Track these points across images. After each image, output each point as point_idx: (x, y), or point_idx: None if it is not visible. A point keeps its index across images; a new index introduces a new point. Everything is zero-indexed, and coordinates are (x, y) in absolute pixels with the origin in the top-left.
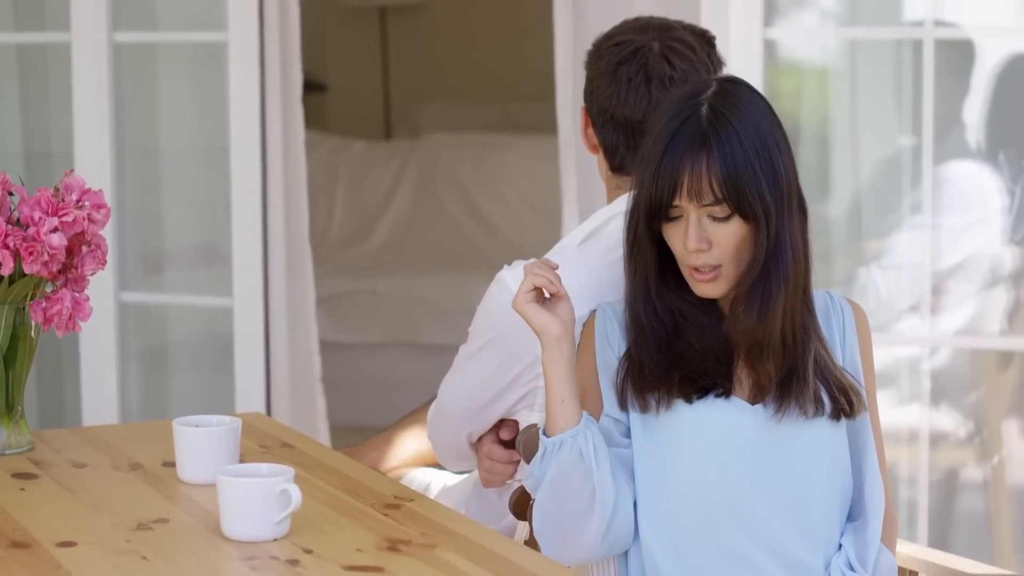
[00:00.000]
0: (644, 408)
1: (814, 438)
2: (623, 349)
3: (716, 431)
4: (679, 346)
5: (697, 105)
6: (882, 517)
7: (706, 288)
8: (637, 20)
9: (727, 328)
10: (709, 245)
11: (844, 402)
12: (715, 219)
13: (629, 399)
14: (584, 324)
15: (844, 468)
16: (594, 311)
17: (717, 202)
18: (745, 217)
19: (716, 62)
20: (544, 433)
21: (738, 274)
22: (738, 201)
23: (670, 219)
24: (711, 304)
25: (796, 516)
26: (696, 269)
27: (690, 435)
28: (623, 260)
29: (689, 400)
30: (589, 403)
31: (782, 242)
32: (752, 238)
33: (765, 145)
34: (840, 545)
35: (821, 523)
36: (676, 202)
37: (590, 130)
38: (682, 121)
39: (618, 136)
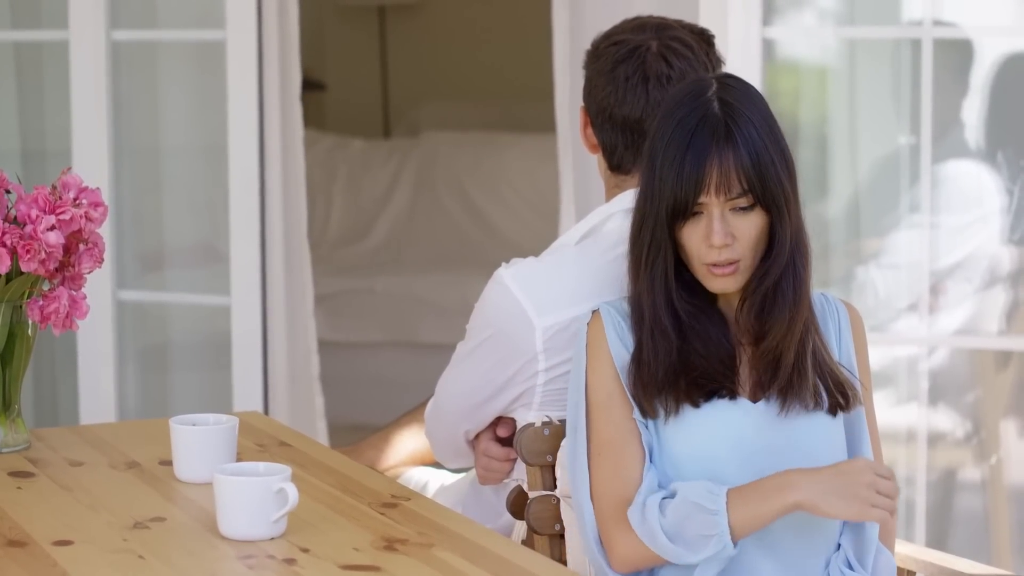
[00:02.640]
0: (652, 415)
1: (815, 434)
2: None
3: (725, 433)
4: (685, 351)
5: (707, 101)
6: None
7: (724, 282)
8: (636, 20)
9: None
10: (733, 239)
11: (840, 396)
12: (737, 212)
13: (638, 405)
14: (589, 325)
15: None
16: (595, 311)
17: (743, 193)
18: (767, 207)
19: (715, 61)
20: (730, 528)
21: (753, 267)
22: (763, 190)
23: (688, 217)
24: (713, 307)
25: (801, 517)
26: (714, 264)
27: (700, 439)
28: (628, 262)
29: (697, 405)
30: (619, 408)
31: (801, 232)
32: (768, 229)
33: (776, 136)
34: (839, 545)
35: (824, 524)
36: (702, 199)
37: (589, 130)
38: (699, 118)
39: (616, 135)
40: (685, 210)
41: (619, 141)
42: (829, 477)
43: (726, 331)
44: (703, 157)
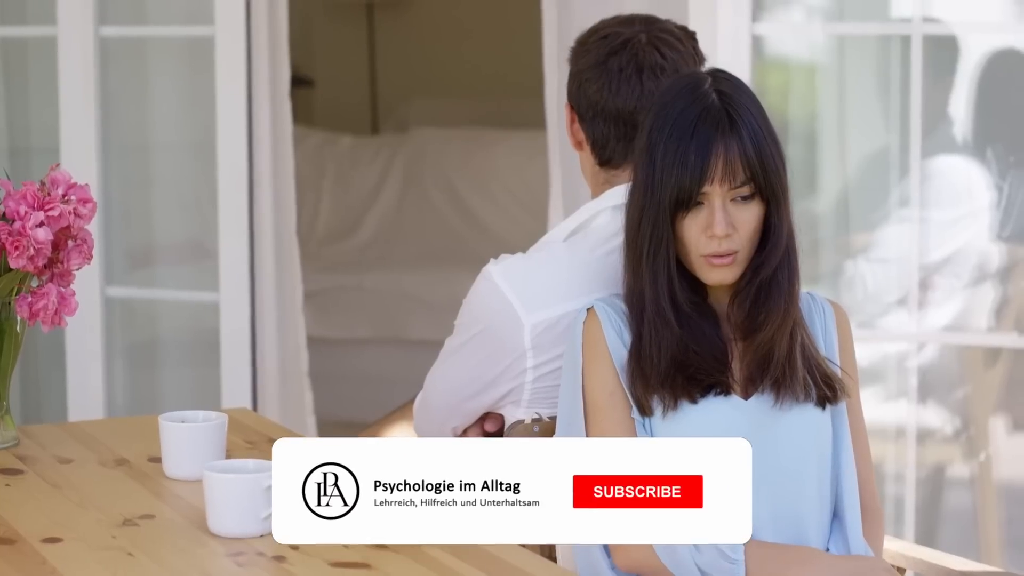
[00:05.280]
0: (649, 412)
1: (805, 428)
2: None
3: (718, 430)
4: (684, 344)
5: (706, 93)
6: (859, 514)
7: (722, 273)
8: (620, 16)
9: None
10: (733, 230)
11: (827, 389)
12: (737, 203)
13: (637, 402)
14: (585, 324)
15: (831, 459)
16: (589, 308)
17: (746, 182)
18: (766, 197)
19: (700, 56)
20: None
21: (749, 259)
22: (765, 179)
23: (689, 209)
24: (705, 302)
25: (792, 515)
26: (713, 255)
27: (694, 435)
28: (625, 256)
29: (695, 400)
30: (621, 407)
31: (792, 224)
32: (764, 220)
33: (771, 128)
34: (828, 549)
35: (815, 523)
36: (705, 188)
37: (576, 126)
38: (701, 109)
39: (609, 128)
40: (689, 200)
41: (611, 134)
42: (850, 568)
43: (718, 327)
44: (707, 146)
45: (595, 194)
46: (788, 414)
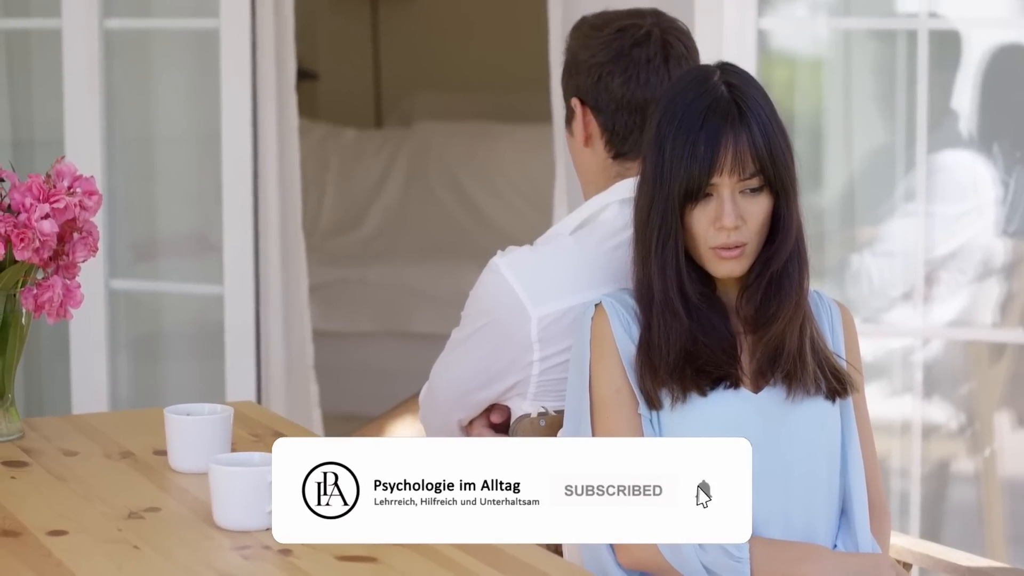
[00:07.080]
0: (658, 405)
1: (815, 422)
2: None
3: (728, 423)
4: (693, 336)
5: (715, 86)
6: (867, 510)
7: (730, 266)
8: (621, 10)
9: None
10: (742, 222)
11: (836, 382)
12: (747, 194)
13: (646, 396)
14: (593, 319)
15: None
16: (597, 304)
17: (755, 174)
18: (775, 190)
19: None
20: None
21: (757, 251)
22: (773, 171)
23: (698, 200)
24: (714, 295)
25: (801, 510)
26: (722, 247)
27: (704, 429)
28: (634, 248)
29: (704, 393)
30: (628, 403)
31: (800, 217)
32: (773, 213)
33: (779, 121)
34: (835, 546)
35: (823, 517)
36: (714, 179)
37: (588, 118)
38: (710, 101)
39: (633, 120)
40: (698, 191)
41: (636, 125)
42: (854, 565)
43: (727, 320)
44: (717, 138)
45: (601, 188)
46: (799, 407)
